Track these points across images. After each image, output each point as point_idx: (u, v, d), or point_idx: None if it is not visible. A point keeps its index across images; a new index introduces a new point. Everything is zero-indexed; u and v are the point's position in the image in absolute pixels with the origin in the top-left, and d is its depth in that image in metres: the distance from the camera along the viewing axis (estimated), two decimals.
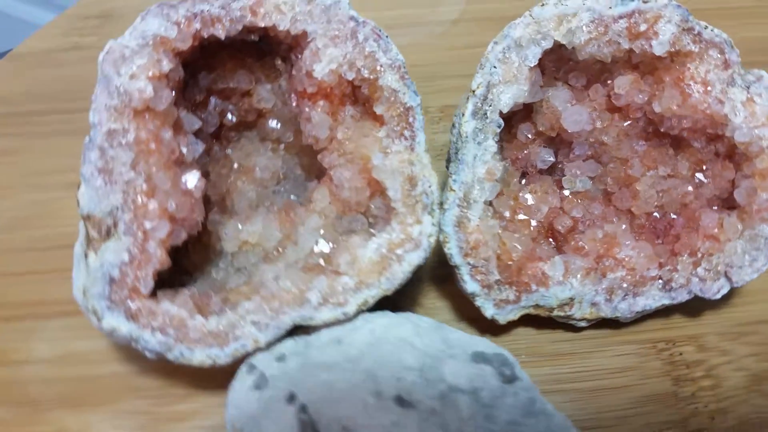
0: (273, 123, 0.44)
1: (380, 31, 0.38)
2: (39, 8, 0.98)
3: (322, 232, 0.40)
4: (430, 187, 0.37)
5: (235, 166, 0.44)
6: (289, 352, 0.34)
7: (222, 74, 0.42)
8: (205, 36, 0.37)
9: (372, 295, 0.36)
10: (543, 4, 0.38)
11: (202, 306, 0.36)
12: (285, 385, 0.32)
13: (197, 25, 0.37)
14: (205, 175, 0.43)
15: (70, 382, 0.40)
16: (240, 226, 0.41)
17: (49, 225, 0.47)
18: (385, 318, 0.35)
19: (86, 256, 0.34)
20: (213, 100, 0.42)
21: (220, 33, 0.37)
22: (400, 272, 0.36)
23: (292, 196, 0.45)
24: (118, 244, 0.34)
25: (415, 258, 0.36)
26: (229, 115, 0.43)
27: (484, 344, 0.35)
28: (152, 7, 0.37)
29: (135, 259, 0.34)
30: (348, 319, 0.35)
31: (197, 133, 0.41)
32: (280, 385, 0.32)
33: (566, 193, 0.43)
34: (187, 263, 0.41)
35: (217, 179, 0.43)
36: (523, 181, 0.43)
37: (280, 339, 0.36)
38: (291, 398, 0.31)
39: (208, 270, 0.41)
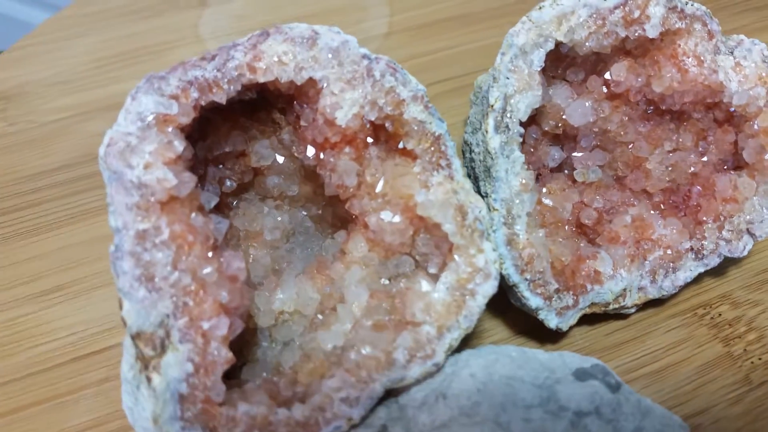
0: (274, 179, 0.40)
1: (395, 64, 0.36)
2: (33, 8, 0.92)
3: (367, 282, 0.37)
4: (480, 212, 0.36)
5: (242, 234, 0.40)
6: (388, 420, 0.32)
7: (216, 140, 0.38)
8: (204, 104, 0.34)
9: (455, 337, 0.34)
10: (540, 7, 0.38)
11: (274, 395, 0.33)
12: None
13: (195, 94, 0.33)
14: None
15: None
16: (270, 297, 0.38)
17: (26, 346, 0.41)
18: (474, 357, 0.34)
19: (149, 379, 0.30)
20: (211, 169, 0.38)
21: (221, 98, 0.34)
22: (476, 307, 0.35)
23: (307, 251, 0.42)
24: (176, 356, 0.30)
25: (488, 288, 0.35)
26: (228, 182, 0.39)
27: (575, 358, 0.35)
28: (140, 83, 0.33)
29: (200, 367, 0.30)
30: (438, 369, 0.34)
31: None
32: None
33: (580, 185, 0.43)
34: (246, 352, 0.37)
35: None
36: (538, 183, 0.43)
37: (371, 410, 0.33)
38: None
39: (253, 353, 0.37)
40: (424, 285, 0.35)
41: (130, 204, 0.30)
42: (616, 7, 0.38)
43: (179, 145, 0.32)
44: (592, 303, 0.40)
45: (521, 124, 0.39)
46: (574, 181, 0.43)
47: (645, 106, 0.42)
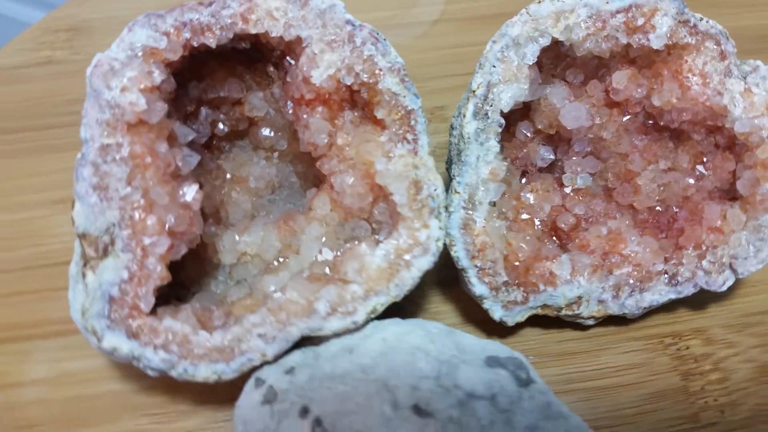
0: (266, 131, 0.43)
1: (378, 34, 0.37)
2: (29, 7, 0.97)
3: (324, 240, 0.39)
4: (435, 190, 0.37)
5: (229, 176, 0.43)
6: (298, 364, 0.33)
7: (212, 83, 0.41)
8: (196, 45, 0.36)
9: (381, 302, 0.35)
10: (539, 1, 0.38)
11: (204, 321, 0.35)
12: (297, 398, 0.31)
13: (187, 35, 0.36)
14: (198, 186, 0.42)
15: (67, 402, 0.39)
16: (237, 238, 0.40)
17: (35, 244, 0.45)
18: (396, 325, 0.35)
19: (84, 275, 0.33)
20: (204, 110, 0.41)
21: (211, 42, 0.36)
22: (408, 278, 0.35)
23: (289, 205, 0.44)
24: (116, 262, 0.33)
25: (424, 263, 0.35)
26: (221, 125, 0.42)
27: (497, 348, 0.35)
28: (139, 17, 0.36)
29: (135, 277, 0.33)
30: (357, 328, 0.35)
31: (190, 145, 0.40)
32: (292, 399, 0.31)
33: (567, 190, 0.42)
34: (183, 277, 0.40)
35: (210, 191, 0.42)
36: (524, 181, 0.43)
37: (287, 351, 0.35)
38: (304, 412, 0.30)
39: (206, 284, 0.40)
40: (364, 248, 0.36)
41: (100, 120, 0.33)
42: (618, 12, 0.38)
43: (158, 77, 0.35)
44: (544, 304, 0.39)
45: (504, 114, 0.39)
46: (561, 184, 0.42)
47: (644, 119, 0.41)
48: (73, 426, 0.38)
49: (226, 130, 0.42)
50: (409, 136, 0.37)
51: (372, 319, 0.35)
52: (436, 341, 0.33)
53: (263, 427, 0.31)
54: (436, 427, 0.29)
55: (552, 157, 0.42)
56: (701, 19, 0.38)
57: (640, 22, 0.38)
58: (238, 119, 0.42)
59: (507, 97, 0.38)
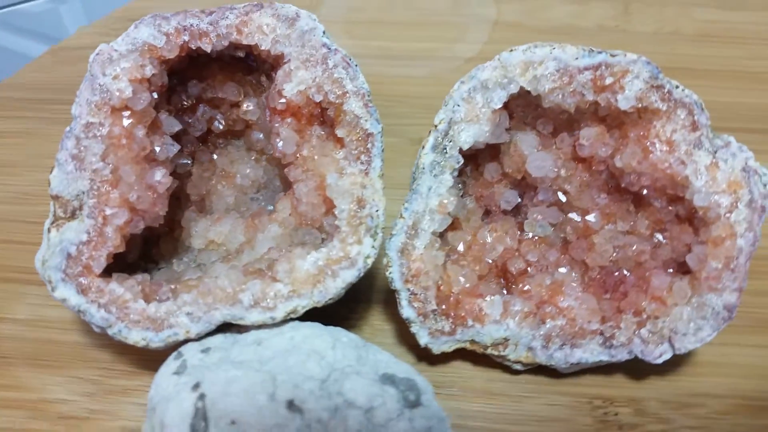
0: (258, 135, 0.46)
1: (350, 59, 0.40)
2: (33, 41, 1.01)
3: (278, 240, 0.42)
4: (377, 211, 0.39)
5: (219, 170, 0.47)
6: (215, 346, 0.36)
7: (212, 84, 0.45)
8: (193, 48, 0.40)
9: (302, 304, 0.37)
10: (512, 50, 0.39)
11: (150, 293, 0.39)
12: (198, 374, 0.34)
13: (185, 37, 0.40)
14: (188, 175, 0.46)
15: (38, 343, 0.43)
16: (210, 226, 0.44)
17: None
18: (310, 329, 0.37)
19: (49, 231, 0.38)
20: (201, 107, 0.45)
21: (207, 47, 0.40)
22: (333, 287, 0.38)
23: (269, 206, 0.47)
24: (80, 225, 0.38)
25: (348, 276, 0.38)
26: (217, 123, 0.46)
27: (401, 369, 0.36)
28: (147, 17, 0.40)
29: (92, 241, 0.37)
30: (275, 324, 0.37)
31: (182, 135, 0.45)
32: (194, 374, 0.34)
33: (527, 236, 0.43)
34: (155, 254, 0.44)
35: (198, 180, 0.46)
36: (485, 220, 0.44)
37: (211, 333, 0.38)
38: (196, 387, 0.33)
39: (172, 262, 0.44)
40: (298, 251, 0.38)
41: (90, 100, 0.38)
42: (586, 68, 0.38)
43: (149, 71, 0.39)
44: (472, 340, 0.40)
45: (471, 153, 0.40)
46: (522, 229, 0.43)
47: (607, 178, 0.41)
48: (37, 365, 0.42)
49: (222, 127, 0.46)
50: (364, 158, 0.39)
51: (293, 319, 0.38)
52: (338, 349, 0.35)
53: (167, 394, 0.34)
54: (300, 423, 0.31)
55: (516, 200, 0.43)
56: (677, 87, 0.38)
57: (609, 81, 0.38)
58: (235, 120, 0.46)
59: (467, 136, 0.39)
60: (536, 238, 0.43)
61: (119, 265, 0.40)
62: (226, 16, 0.41)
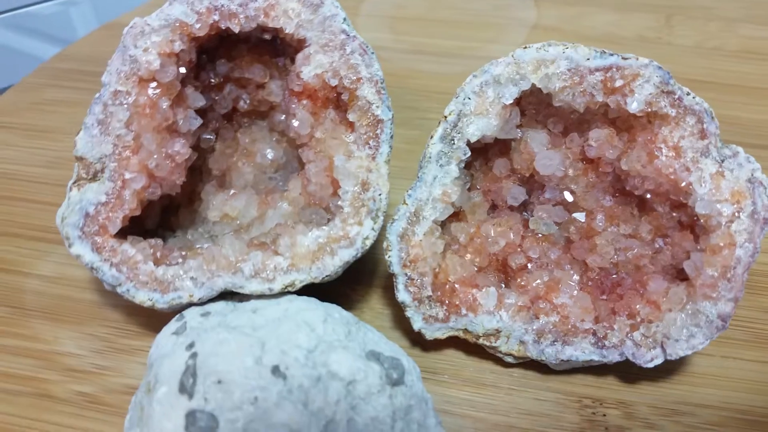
0: (280, 116, 0.48)
1: (367, 47, 0.41)
2: (43, 43, 1.03)
3: (286, 218, 0.43)
4: (380, 195, 0.40)
5: (241, 148, 0.49)
6: (215, 311, 0.38)
7: (240, 65, 0.47)
8: (222, 27, 0.42)
9: (300, 279, 0.39)
10: (526, 47, 0.40)
11: (161, 257, 0.41)
12: (194, 335, 0.36)
13: (216, 17, 0.42)
14: (211, 150, 0.48)
15: (56, 299, 0.46)
16: (226, 199, 0.46)
17: None
18: (304, 302, 0.38)
19: (70, 190, 0.40)
20: (228, 86, 0.47)
21: (235, 27, 0.42)
22: (330, 265, 0.39)
23: (285, 187, 0.49)
24: (100, 187, 0.40)
25: (346, 255, 0.39)
26: (242, 102, 0.48)
27: (388, 348, 0.37)
28: None
29: (110, 202, 0.40)
30: (273, 295, 0.39)
31: (208, 111, 0.47)
32: (191, 335, 0.36)
33: (531, 232, 0.44)
34: (174, 222, 0.47)
35: (220, 156, 0.48)
36: (491, 214, 0.44)
37: (214, 299, 0.39)
38: (190, 346, 0.35)
39: (186, 231, 0.46)
40: (301, 227, 0.40)
41: (120, 70, 0.40)
42: (597, 69, 0.39)
43: (179, 47, 0.41)
44: (465, 329, 0.41)
45: (480, 146, 0.41)
46: (527, 226, 0.44)
47: (613, 181, 0.41)
48: (53, 318, 0.45)
49: (247, 107, 0.48)
50: (372, 143, 0.41)
51: (290, 292, 0.39)
52: (329, 323, 0.36)
53: (166, 352, 0.36)
54: (282, 387, 0.32)
55: (523, 197, 0.43)
56: (688, 94, 0.38)
57: (619, 83, 0.38)
58: (260, 101, 0.48)
59: (474, 129, 0.40)
60: (540, 235, 0.43)
61: (139, 230, 0.42)
62: None
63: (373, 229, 0.39)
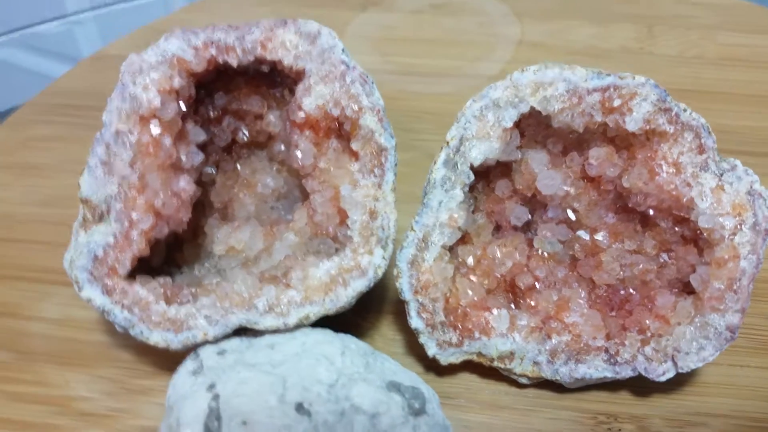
0: (279, 146, 0.48)
1: (367, 76, 0.41)
2: (50, 61, 1.06)
3: (294, 249, 0.43)
4: (388, 223, 0.40)
5: (241, 179, 0.49)
6: (231, 348, 0.38)
7: (237, 97, 0.47)
8: (220, 62, 0.43)
9: (314, 311, 0.39)
10: (523, 70, 0.40)
11: (171, 295, 0.41)
12: (213, 375, 0.36)
13: (213, 51, 0.42)
14: (212, 183, 0.48)
15: (63, 342, 0.45)
16: (230, 232, 0.46)
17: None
18: (320, 335, 0.38)
19: (78, 233, 0.40)
20: (227, 118, 0.47)
21: (233, 61, 0.42)
22: (344, 296, 0.39)
23: (288, 216, 0.49)
24: (107, 228, 0.40)
25: (359, 285, 0.39)
26: (241, 134, 0.48)
27: (407, 377, 0.37)
28: (177, 30, 0.43)
29: (118, 243, 0.39)
30: (288, 329, 0.39)
31: (208, 144, 0.47)
32: (210, 375, 0.36)
33: (537, 252, 0.44)
34: (179, 258, 0.46)
35: (221, 188, 0.48)
36: (496, 235, 0.45)
37: (228, 336, 0.39)
38: (211, 387, 0.34)
39: (193, 267, 0.46)
40: (312, 259, 0.40)
41: (120, 108, 0.40)
42: (595, 90, 0.39)
43: (178, 82, 0.41)
44: (480, 352, 0.41)
45: (482, 169, 0.42)
46: (531, 245, 0.44)
47: (615, 198, 0.42)
48: (62, 362, 0.44)
49: (246, 138, 0.48)
50: (377, 171, 0.41)
51: (305, 325, 0.39)
52: (347, 356, 0.37)
53: (184, 392, 0.36)
54: (308, 425, 0.32)
55: (527, 217, 0.44)
56: (684, 110, 0.39)
57: (617, 103, 0.39)
58: (259, 131, 0.48)
59: (477, 153, 0.41)
60: (545, 254, 0.44)
61: (144, 269, 0.42)
62: (252, 32, 0.43)
63: (383, 257, 0.40)
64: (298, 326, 0.39)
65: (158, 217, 0.40)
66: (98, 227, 0.40)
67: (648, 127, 0.39)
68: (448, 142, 0.41)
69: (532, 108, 0.40)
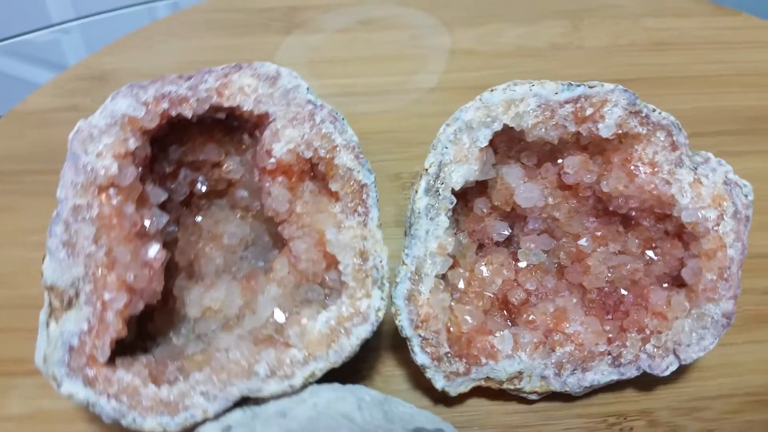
0: (242, 192, 0.46)
1: (337, 114, 0.40)
2: (39, 68, 1.07)
3: (279, 301, 0.41)
4: (381, 261, 0.39)
5: (204, 233, 0.46)
6: (236, 423, 0.36)
7: (192, 148, 0.44)
8: (173, 115, 0.40)
9: (320, 367, 0.37)
10: (492, 90, 0.40)
11: (157, 374, 0.37)
12: None
13: (165, 105, 0.39)
14: (174, 241, 0.45)
15: None
16: (204, 292, 0.43)
17: (32, 284, 0.49)
18: (331, 391, 0.36)
19: (47, 324, 0.36)
20: (183, 171, 0.44)
21: (188, 113, 0.40)
22: (347, 345, 0.37)
23: (259, 262, 0.46)
24: (78, 314, 0.36)
25: (362, 332, 0.37)
26: (199, 185, 0.45)
27: (427, 419, 0.36)
28: (123, 87, 0.39)
29: (93, 329, 0.36)
30: (295, 391, 0.37)
31: (166, 202, 0.44)
32: None
33: (521, 265, 0.44)
34: (151, 328, 0.43)
35: (185, 246, 0.45)
36: (480, 254, 0.44)
37: (229, 409, 0.37)
38: None
39: (170, 337, 0.42)
40: (308, 313, 0.38)
41: (75, 182, 0.37)
42: (567, 102, 0.39)
43: (133, 144, 0.38)
44: (487, 377, 0.40)
45: (460, 191, 0.41)
46: (517, 259, 0.44)
47: (594, 203, 0.42)
48: None
49: (205, 189, 0.45)
50: (360, 209, 0.39)
51: (311, 383, 0.37)
52: (365, 410, 0.35)
53: None
54: None
55: (508, 232, 0.44)
56: (654, 110, 0.40)
57: (589, 112, 0.39)
58: (217, 180, 0.45)
59: (457, 177, 0.40)
60: (531, 266, 0.44)
61: (117, 347, 0.39)
62: (205, 80, 0.40)
63: (382, 298, 0.38)
64: (304, 386, 0.37)
65: (131, 292, 0.37)
66: (69, 314, 0.36)
67: (621, 131, 0.40)
68: (426, 170, 0.40)
69: (505, 125, 0.40)
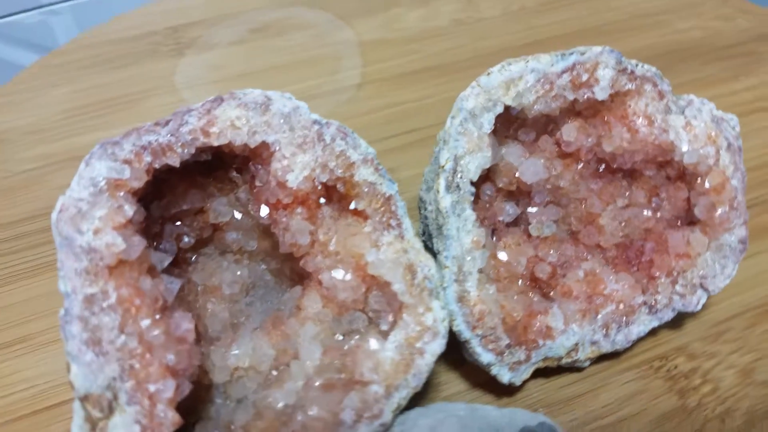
0: (233, 235, 0.41)
1: (345, 128, 0.37)
2: (25, 51, 1.02)
3: (320, 338, 0.38)
4: (429, 271, 0.37)
5: (201, 288, 0.41)
6: None
7: (173, 199, 0.39)
8: (158, 167, 0.35)
9: (403, 396, 0.35)
10: (488, 73, 0.39)
11: None
12: None
13: (148, 158, 0.34)
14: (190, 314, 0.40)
15: None
16: (225, 353, 0.39)
17: None
18: (422, 417, 0.34)
19: None
20: (168, 227, 0.39)
21: (174, 161, 0.35)
22: (424, 365, 0.35)
23: (267, 304, 0.42)
24: (124, 418, 0.31)
25: (436, 347, 0.35)
26: (186, 238, 0.40)
27: (525, 416, 0.35)
28: (95, 148, 0.34)
29: (147, 429, 0.31)
30: (386, 429, 0.34)
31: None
32: None
33: (535, 239, 0.44)
34: (180, 412, 0.38)
35: (185, 308, 0.40)
36: (494, 239, 0.44)
37: None
38: None
39: (206, 410, 0.38)
40: (373, 343, 0.35)
41: (79, 269, 0.31)
42: (564, 72, 0.39)
43: (129, 210, 0.33)
44: (545, 357, 0.40)
45: (473, 183, 0.40)
46: (530, 235, 0.44)
47: (596, 165, 0.43)
48: None
49: (192, 241, 0.40)
50: (393, 222, 0.37)
51: (398, 416, 0.35)
52: (468, 425, 0.33)
53: None
54: None
55: (517, 211, 0.43)
56: (637, 65, 0.41)
57: (585, 78, 0.40)
58: (202, 227, 0.41)
59: (474, 167, 0.39)
60: (545, 239, 0.44)
61: None
62: (186, 121, 0.35)
63: (443, 308, 0.36)
64: (394, 420, 0.34)
65: (176, 376, 0.32)
66: (113, 421, 0.31)
67: (614, 91, 0.40)
68: (442, 167, 0.39)
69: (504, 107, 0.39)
